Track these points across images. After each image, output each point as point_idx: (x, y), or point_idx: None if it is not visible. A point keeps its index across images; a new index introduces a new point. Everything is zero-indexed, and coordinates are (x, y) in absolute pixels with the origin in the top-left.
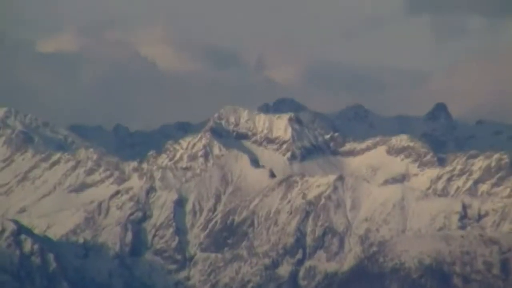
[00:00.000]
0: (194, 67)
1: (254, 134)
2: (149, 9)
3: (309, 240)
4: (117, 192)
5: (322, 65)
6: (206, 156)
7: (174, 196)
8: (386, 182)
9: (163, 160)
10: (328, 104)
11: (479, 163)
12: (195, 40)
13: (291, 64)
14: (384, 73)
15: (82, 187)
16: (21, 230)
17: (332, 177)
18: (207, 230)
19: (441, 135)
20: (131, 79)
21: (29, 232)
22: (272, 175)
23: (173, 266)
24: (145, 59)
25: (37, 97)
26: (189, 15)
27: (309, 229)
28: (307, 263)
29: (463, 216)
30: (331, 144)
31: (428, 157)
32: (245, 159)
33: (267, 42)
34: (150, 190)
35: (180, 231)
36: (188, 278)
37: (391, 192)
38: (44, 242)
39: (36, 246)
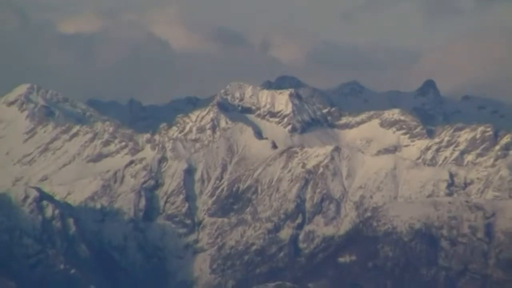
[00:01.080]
0: (204, 46)
1: (258, 108)
2: None
3: (308, 206)
4: (131, 162)
5: (322, 45)
6: (213, 128)
7: (184, 165)
8: (379, 153)
9: (174, 132)
10: (326, 81)
11: (465, 135)
12: (205, 21)
13: (294, 44)
14: (379, 52)
15: (99, 157)
16: (43, 196)
17: (329, 148)
18: (214, 197)
19: (430, 109)
20: (145, 58)
21: (50, 198)
22: (274, 146)
23: (183, 230)
24: (158, 39)
25: (57, 75)
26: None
27: (308, 196)
28: (306, 227)
29: (450, 184)
30: (329, 118)
31: (418, 129)
32: (249, 131)
33: (271, 24)
34: (162, 160)
35: (190, 198)
36: (197, 241)
37: (384, 162)
38: (64, 208)
39: (57, 212)
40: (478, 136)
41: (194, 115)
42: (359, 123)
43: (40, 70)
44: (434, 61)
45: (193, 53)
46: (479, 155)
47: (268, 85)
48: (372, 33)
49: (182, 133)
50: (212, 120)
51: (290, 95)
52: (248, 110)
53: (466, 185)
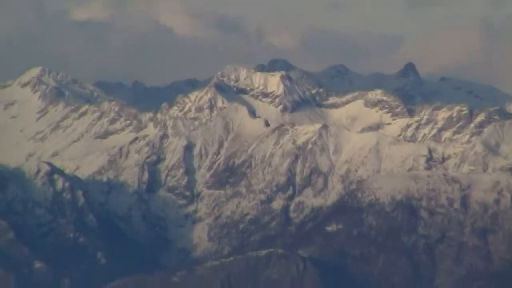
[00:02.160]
0: (205, 33)
1: (252, 89)
2: None
3: (298, 179)
4: (135, 139)
5: (312, 31)
6: (211, 108)
7: (183, 142)
8: (363, 130)
9: (174, 111)
10: (315, 64)
11: (442, 114)
12: (206, 10)
13: (286, 31)
14: (364, 38)
15: (105, 134)
16: (54, 170)
17: (317, 126)
18: (212, 171)
19: (410, 90)
20: (150, 43)
21: (61, 172)
22: (267, 124)
23: (183, 201)
24: (163, 26)
25: (69, 58)
26: None
27: (298, 169)
28: (297, 199)
29: (429, 159)
30: (317, 98)
31: (399, 108)
32: (244, 111)
33: (266, 12)
34: (163, 137)
35: (189, 172)
36: (196, 211)
37: (368, 139)
38: (73, 181)
39: (67, 184)
40: (454, 114)
41: (193, 96)
42: (344, 103)
43: (53, 54)
44: (414, 46)
45: (194, 39)
46: (456, 132)
47: (261, 68)
48: (358, 21)
49: (182, 112)
50: (209, 100)
51: (282, 77)
52: (243, 91)
53: (443, 160)
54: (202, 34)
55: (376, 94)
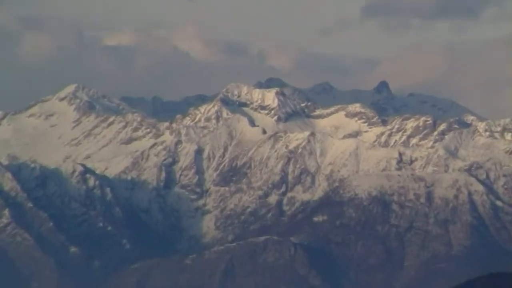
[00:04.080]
0: (215, 56)
1: (251, 103)
2: (184, 15)
3: (290, 178)
4: (154, 144)
5: (303, 55)
6: (217, 118)
7: (194, 147)
8: (344, 137)
9: (187, 121)
10: (304, 82)
11: (410, 123)
12: (216, 37)
13: (283, 54)
14: (346, 60)
15: (129, 140)
16: (86, 170)
17: (306, 133)
18: (218, 171)
19: (384, 103)
20: (168, 65)
21: (92, 172)
22: (264, 132)
23: (194, 196)
24: (181, 51)
25: (99, 77)
26: (213, 20)
27: (290, 170)
28: (289, 194)
29: (399, 161)
30: (306, 110)
31: (374, 119)
32: (244, 121)
33: (267, 39)
34: (178, 142)
35: (199, 172)
36: (204, 205)
37: (348, 144)
38: (102, 179)
39: (97, 182)
40: (420, 124)
41: (202, 108)
42: (329, 114)
43: (86, 74)
44: (387, 66)
45: (205, 62)
46: (422, 139)
47: (259, 85)
48: (342, 46)
49: (193, 122)
50: (216, 112)
51: (276, 93)
52: (244, 104)
53: (411, 162)
54: (213, 57)
55: (355, 107)
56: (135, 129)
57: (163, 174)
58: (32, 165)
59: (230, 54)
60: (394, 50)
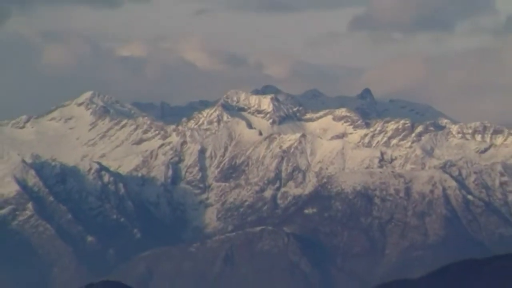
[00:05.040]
0: (217, 65)
1: (249, 108)
2: (190, 28)
3: (283, 174)
4: (162, 145)
5: (296, 64)
6: (218, 121)
7: (198, 147)
8: (332, 138)
9: (191, 124)
10: (296, 89)
11: (391, 126)
12: (219, 49)
13: (278, 64)
14: (334, 69)
15: (140, 141)
16: (102, 168)
17: (298, 135)
18: (219, 168)
19: (367, 108)
20: (176, 74)
21: (107, 169)
22: (260, 133)
23: (197, 191)
24: (186, 61)
25: (113, 85)
26: (216, 33)
27: (283, 167)
28: (282, 189)
29: (381, 160)
30: (297, 114)
31: (359, 122)
32: (243, 124)
33: (264, 51)
34: (183, 143)
35: (202, 169)
36: (207, 198)
37: (335, 144)
38: (116, 176)
39: (111, 178)
40: (400, 127)
41: (205, 112)
42: (318, 118)
43: (101, 81)
44: (371, 75)
45: (208, 71)
46: (401, 139)
47: (256, 92)
48: (330, 56)
49: (197, 125)
50: (217, 116)
51: (271, 99)
52: (242, 109)
53: (392, 160)
54: (215, 67)
55: (342, 112)
56: (145, 131)
57: (170, 171)
58: (53, 163)
59: (231, 64)
60: (377, 60)
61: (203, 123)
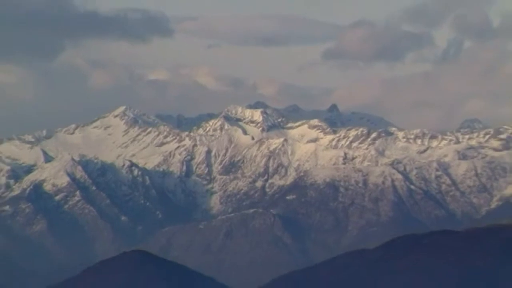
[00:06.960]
0: (222, 87)
1: (244, 119)
2: (202, 59)
3: (270, 169)
4: (178, 147)
5: (282, 86)
6: (221, 129)
7: (205, 148)
8: (307, 142)
9: (201, 131)
10: (281, 104)
11: (352, 133)
12: (225, 75)
13: (269, 85)
14: (311, 89)
15: (161, 144)
16: (132, 164)
17: (282, 139)
18: (222, 165)
19: (334, 119)
20: (190, 93)
21: (136, 165)
22: (253, 138)
23: (205, 182)
24: (199, 83)
25: (141, 101)
26: (222, 62)
27: (270, 164)
28: (269, 181)
29: (345, 158)
30: (281, 124)
31: (328, 130)
32: (239, 131)
33: (258, 75)
34: (194, 146)
35: (209, 165)
36: (212, 188)
37: (310, 147)
38: (143, 170)
39: (140, 173)
40: (359, 133)
41: (211, 122)
42: (297, 126)
43: (132, 99)
44: (339, 94)
45: (215, 91)
46: (360, 143)
47: (250, 106)
48: (308, 79)
49: (205, 132)
50: (220, 125)
51: (261, 112)
52: (239, 120)
53: (353, 159)
54: (220, 88)
55: (315, 122)
56: (165, 137)
57: (184, 167)
58: (95, 161)
59: (233, 86)
60: (344, 82)
61: (209, 130)
